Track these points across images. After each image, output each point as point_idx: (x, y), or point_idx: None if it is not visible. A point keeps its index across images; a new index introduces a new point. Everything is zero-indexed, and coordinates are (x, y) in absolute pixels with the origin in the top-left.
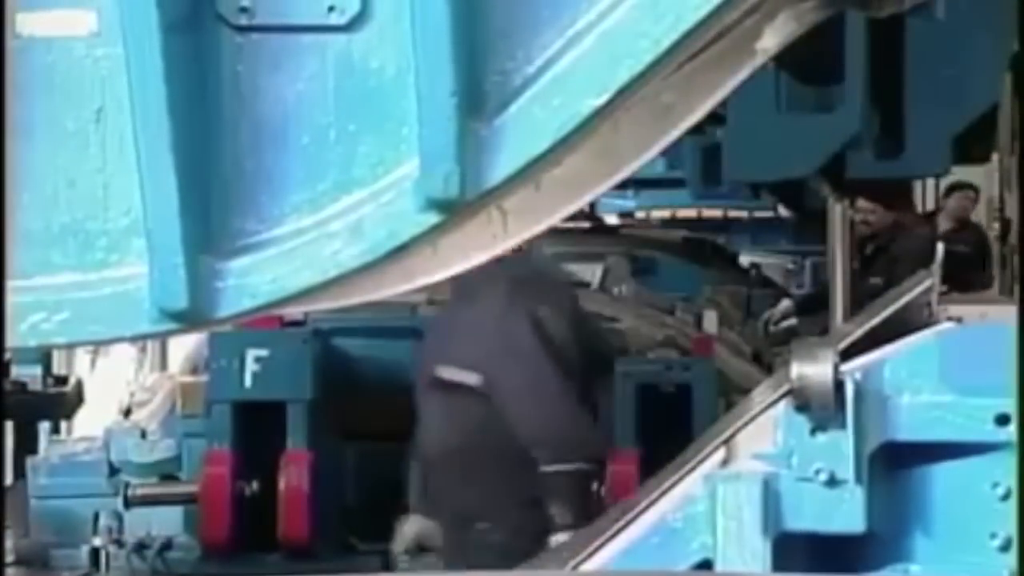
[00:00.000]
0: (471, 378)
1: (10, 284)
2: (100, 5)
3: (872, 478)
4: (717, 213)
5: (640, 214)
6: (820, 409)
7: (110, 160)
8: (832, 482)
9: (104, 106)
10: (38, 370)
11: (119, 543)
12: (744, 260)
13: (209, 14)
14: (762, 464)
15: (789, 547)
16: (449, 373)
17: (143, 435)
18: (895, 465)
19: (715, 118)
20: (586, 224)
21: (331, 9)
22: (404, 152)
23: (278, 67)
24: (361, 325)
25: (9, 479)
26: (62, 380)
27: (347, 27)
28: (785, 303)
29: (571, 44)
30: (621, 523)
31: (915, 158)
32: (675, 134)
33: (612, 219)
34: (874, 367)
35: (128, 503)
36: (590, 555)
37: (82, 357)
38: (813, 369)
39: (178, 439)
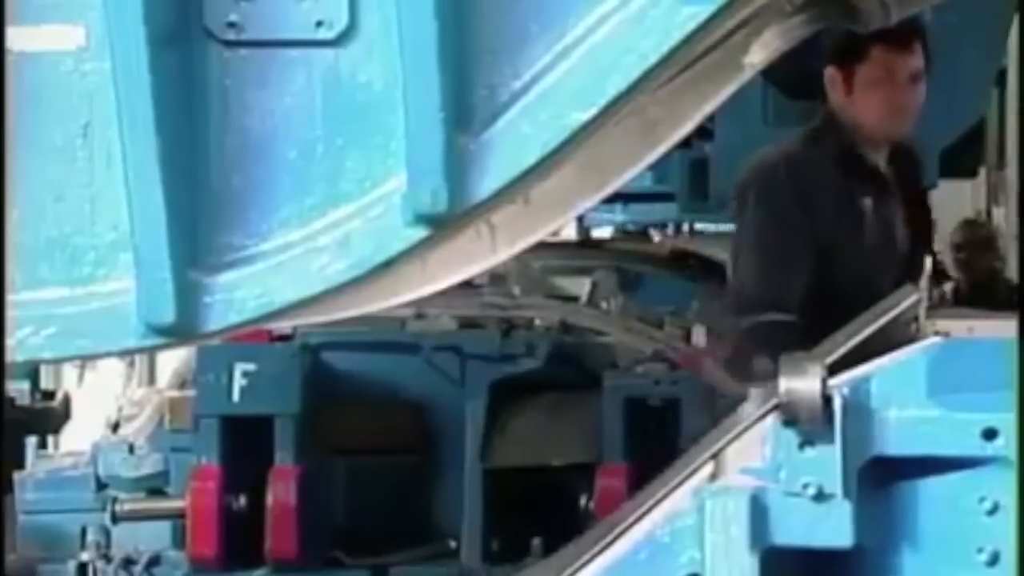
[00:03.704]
0: None
1: (9, 298)
2: (88, 20)
3: (860, 492)
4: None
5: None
6: (808, 423)
7: (97, 175)
8: (820, 496)
9: (91, 121)
10: (26, 385)
11: (106, 558)
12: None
13: (197, 29)
14: (750, 478)
15: (777, 561)
16: None
17: (131, 450)
18: (883, 479)
19: (703, 132)
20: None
21: (319, 24)
22: (392, 167)
23: (266, 82)
24: (350, 340)
25: None
26: (49, 395)
27: (335, 42)
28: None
29: (559, 59)
30: (609, 538)
31: None
32: (662, 148)
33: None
34: (862, 381)
35: (115, 518)
36: (577, 570)
37: (70, 371)
38: (801, 383)
39: (166, 454)
